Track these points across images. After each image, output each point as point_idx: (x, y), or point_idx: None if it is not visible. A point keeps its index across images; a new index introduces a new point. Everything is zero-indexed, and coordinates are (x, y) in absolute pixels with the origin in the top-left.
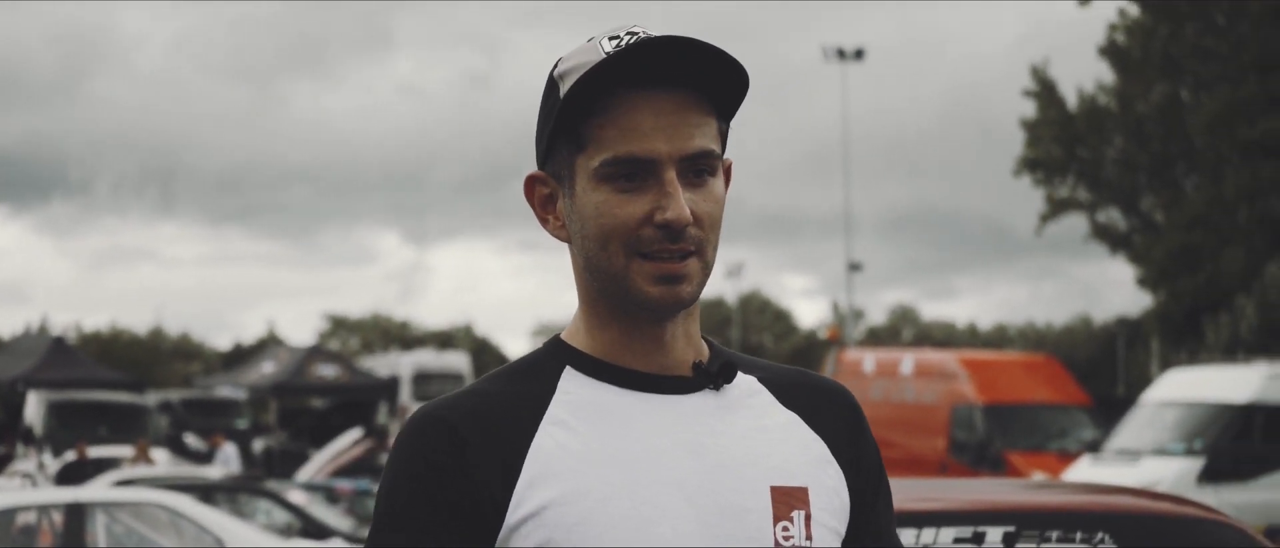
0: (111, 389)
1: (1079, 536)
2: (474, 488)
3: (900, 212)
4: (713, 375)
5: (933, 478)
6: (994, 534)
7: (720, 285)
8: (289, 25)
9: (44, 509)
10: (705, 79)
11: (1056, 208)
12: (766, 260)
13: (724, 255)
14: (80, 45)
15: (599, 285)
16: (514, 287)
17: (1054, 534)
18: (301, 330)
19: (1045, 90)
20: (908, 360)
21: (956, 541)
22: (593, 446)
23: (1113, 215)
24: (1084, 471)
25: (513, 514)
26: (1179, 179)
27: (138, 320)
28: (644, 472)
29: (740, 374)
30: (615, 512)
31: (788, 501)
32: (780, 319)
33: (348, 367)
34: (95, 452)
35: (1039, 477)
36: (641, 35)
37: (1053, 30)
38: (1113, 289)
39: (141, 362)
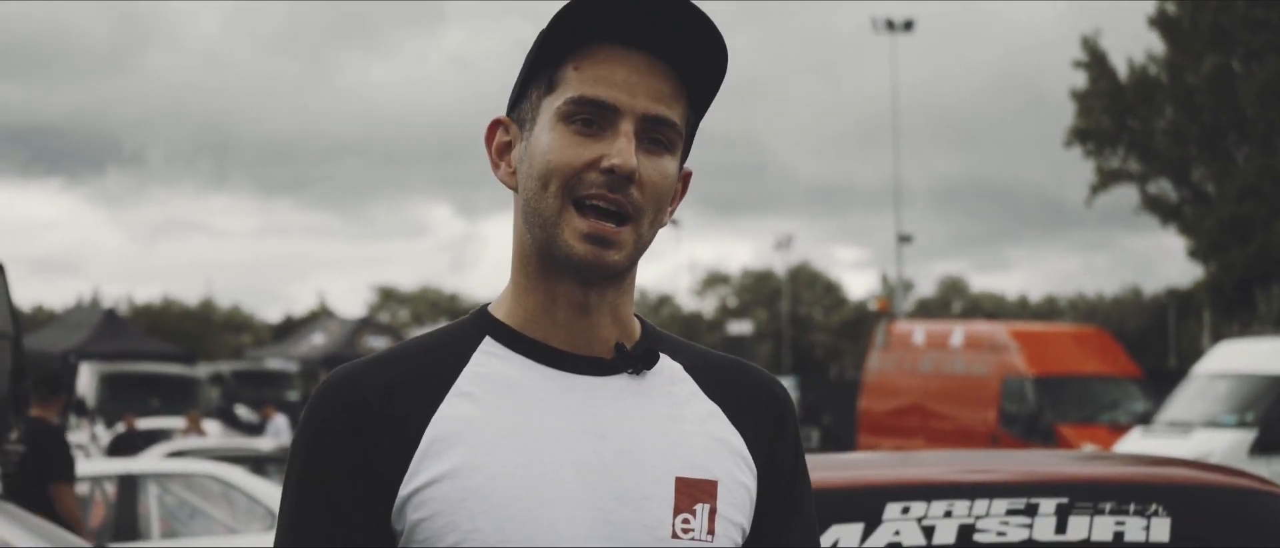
0: (163, 361)
1: (1132, 507)
2: (372, 458)
3: (952, 183)
4: (633, 359)
5: (983, 450)
6: (1047, 506)
7: (769, 257)
8: None
9: (96, 481)
10: (686, 59)
11: (1107, 179)
12: (817, 232)
13: (773, 226)
14: (133, 18)
15: (530, 236)
16: None
17: (1107, 506)
18: (352, 303)
19: (1096, 61)
20: (958, 332)
21: (1010, 512)
22: (494, 421)
23: (1163, 186)
24: (1135, 443)
25: (406, 485)
26: (1230, 150)
27: (189, 292)
28: (543, 451)
29: (666, 361)
30: (506, 489)
31: (692, 493)
32: (830, 291)
33: (397, 338)
34: (146, 424)
35: (1090, 449)
36: None
37: (1101, 5)
38: (1165, 260)
39: (192, 334)
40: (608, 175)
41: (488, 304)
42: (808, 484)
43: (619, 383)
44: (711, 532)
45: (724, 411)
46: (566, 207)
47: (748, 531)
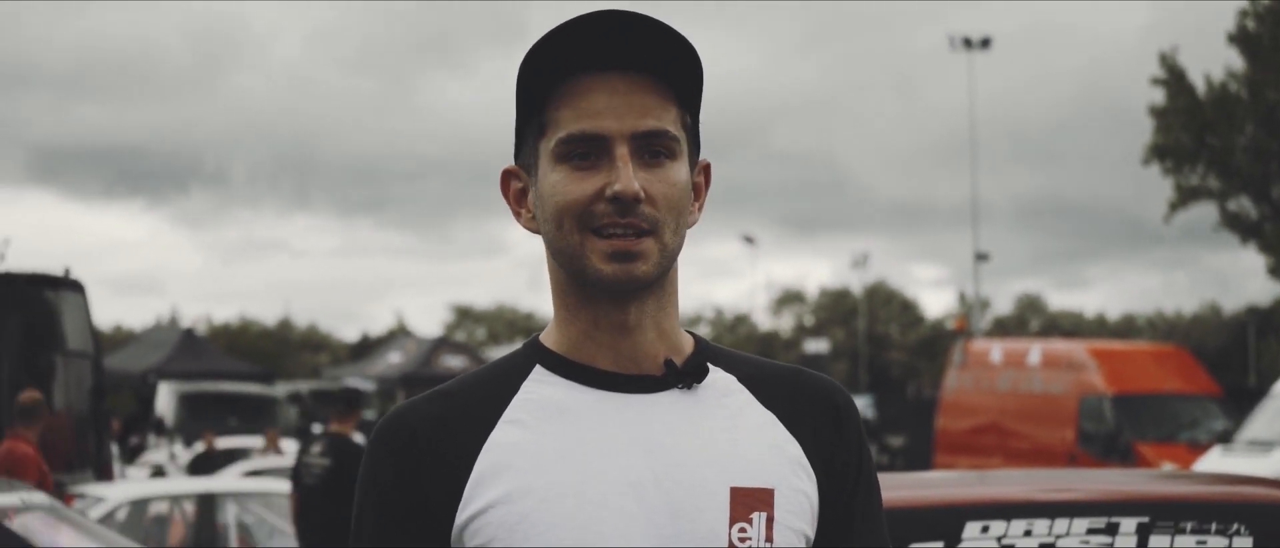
0: (241, 380)
1: (1214, 526)
2: (426, 491)
3: (1031, 201)
4: (682, 374)
5: (1062, 469)
6: (1127, 525)
7: (845, 276)
8: (422, 17)
9: (176, 499)
10: (663, 65)
11: (1186, 196)
12: (895, 251)
13: (851, 245)
14: (216, 39)
15: (562, 271)
16: None
17: (1189, 525)
18: (429, 322)
19: (1174, 78)
20: (1035, 351)
21: (1090, 531)
22: (545, 444)
23: (1243, 204)
24: (1215, 461)
25: (462, 514)
26: None
27: (267, 312)
28: (594, 471)
29: (718, 373)
30: (559, 511)
31: (748, 502)
32: (907, 310)
33: (474, 357)
34: (225, 442)
35: (1169, 468)
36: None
37: (1182, 16)
38: (1246, 278)
39: (270, 353)
40: (614, 204)
41: (539, 334)
42: (874, 487)
43: (670, 398)
44: (769, 538)
45: (780, 419)
46: (586, 237)
47: (811, 537)
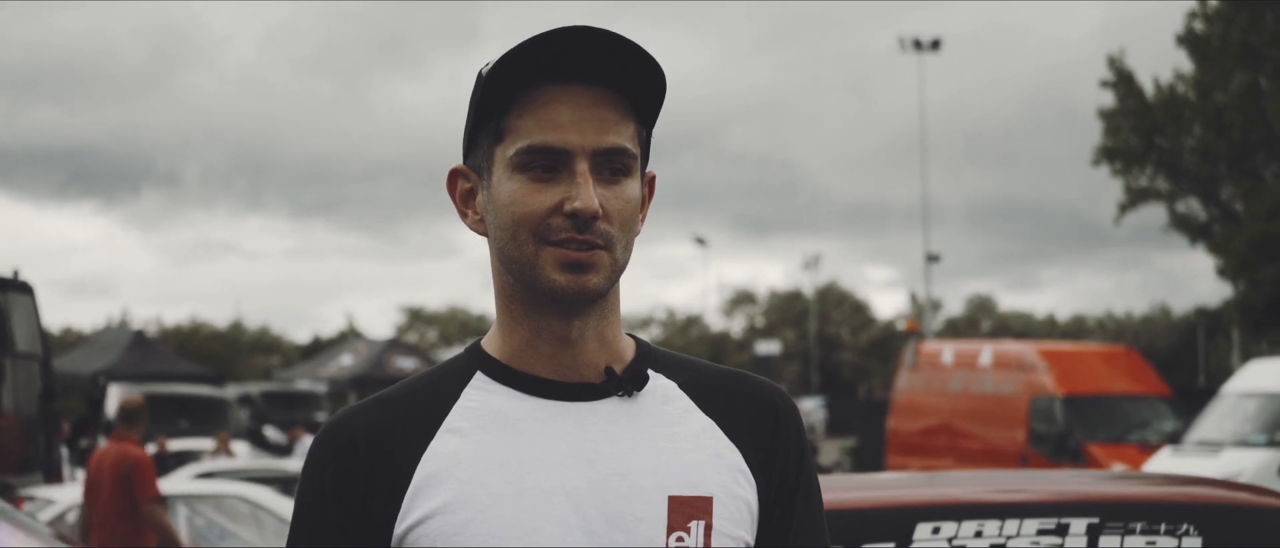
0: (192, 383)
1: (1163, 527)
2: (366, 498)
3: (983, 202)
4: (622, 382)
5: (1013, 469)
6: (1077, 526)
7: (797, 277)
8: (376, 19)
9: None
10: (626, 80)
11: (1135, 198)
12: (849, 252)
13: (803, 247)
14: (170, 40)
15: (510, 278)
16: None
17: (1138, 526)
18: (380, 324)
19: (1123, 80)
20: (986, 352)
21: (1040, 532)
22: (483, 454)
23: (1192, 205)
24: (1165, 462)
25: (400, 524)
26: (1259, 168)
27: (218, 314)
28: (532, 480)
29: (659, 379)
30: (496, 520)
31: (686, 510)
32: (858, 311)
33: (426, 359)
34: (176, 445)
35: (1119, 468)
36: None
37: (1131, 18)
38: (1198, 279)
39: (221, 355)
40: (572, 219)
41: (479, 340)
42: (815, 491)
43: (609, 406)
44: (707, 546)
45: (719, 425)
46: (541, 247)
47: (751, 543)
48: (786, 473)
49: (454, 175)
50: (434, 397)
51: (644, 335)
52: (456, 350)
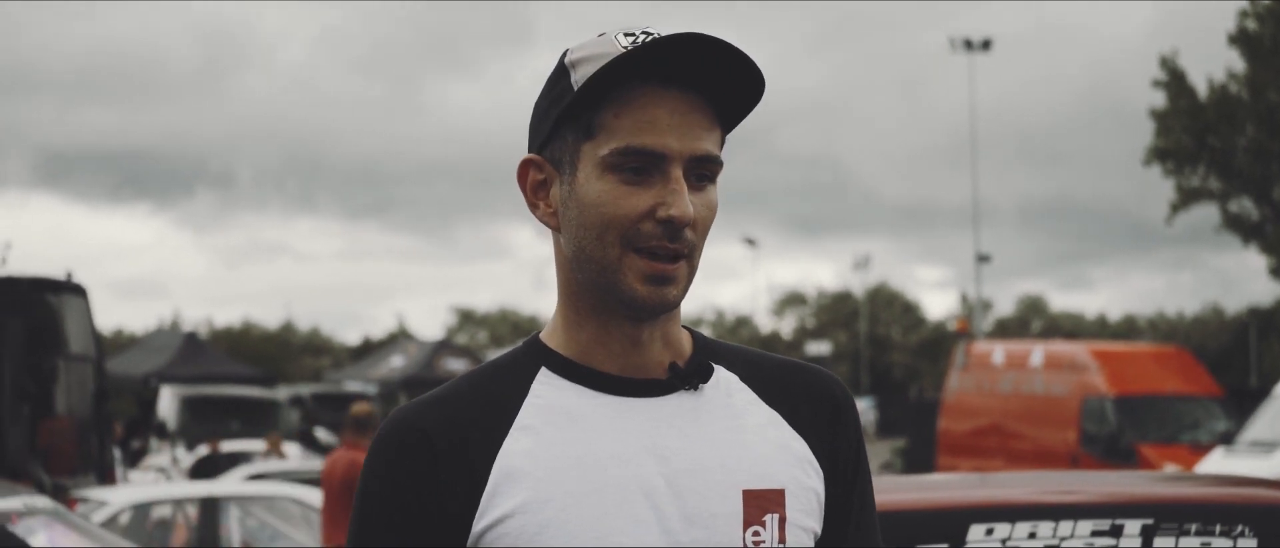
0: (243, 384)
1: (1218, 528)
2: (442, 496)
3: (1036, 201)
4: (688, 376)
5: (1065, 470)
6: (1131, 527)
7: (847, 277)
8: (429, 20)
9: (179, 504)
10: (718, 87)
11: (1187, 198)
12: (900, 252)
13: (853, 247)
14: (222, 42)
15: (585, 278)
16: None
17: (1192, 527)
18: (431, 325)
19: (1175, 80)
20: (1037, 352)
21: (1094, 533)
22: (558, 452)
23: (1245, 205)
24: (1217, 463)
25: (478, 522)
26: None
27: (269, 315)
28: (609, 478)
29: (721, 372)
30: (577, 520)
31: (761, 504)
32: (908, 311)
33: (475, 360)
34: (228, 446)
35: (1172, 469)
36: (659, 35)
37: (1182, 17)
38: (1251, 279)
39: (272, 357)
40: (665, 225)
41: (538, 333)
42: (869, 481)
43: (676, 401)
44: (783, 540)
45: (783, 416)
46: (626, 254)
47: (819, 533)
48: (847, 462)
49: (526, 165)
50: (501, 393)
51: None
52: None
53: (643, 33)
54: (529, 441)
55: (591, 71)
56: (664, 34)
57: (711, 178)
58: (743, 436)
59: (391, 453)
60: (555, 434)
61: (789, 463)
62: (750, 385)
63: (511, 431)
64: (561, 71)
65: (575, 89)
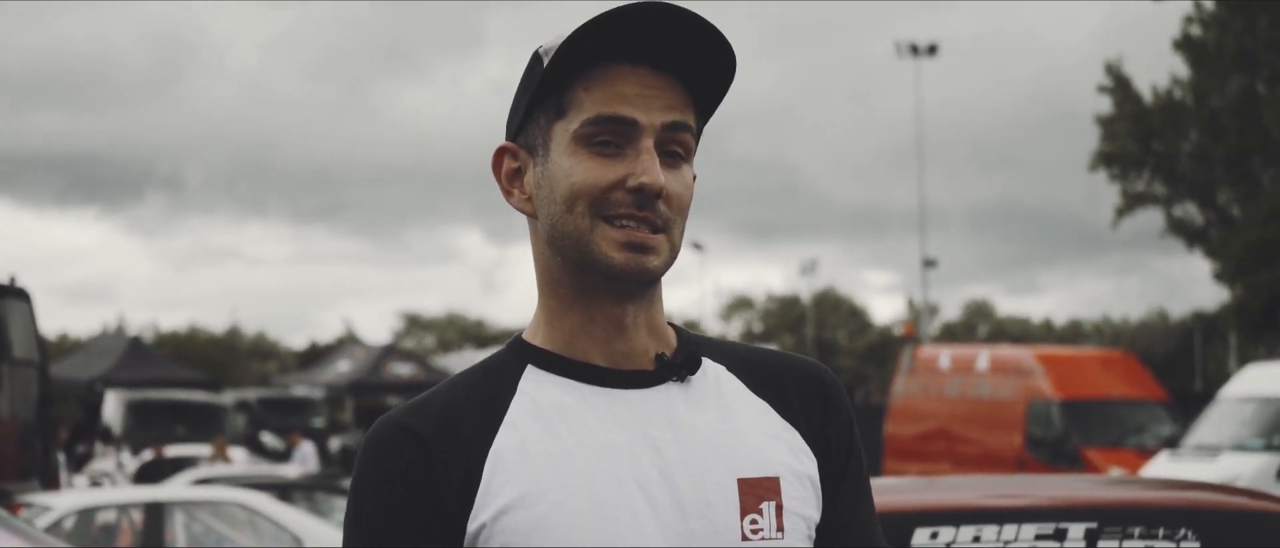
0: (188, 389)
1: (1161, 532)
2: (438, 496)
3: (984, 207)
4: (676, 367)
5: (1010, 474)
6: (1075, 531)
7: (794, 282)
8: (380, 24)
9: (123, 508)
10: (688, 67)
11: (1132, 202)
12: (850, 257)
13: (799, 252)
14: (173, 45)
15: (564, 258)
16: None
17: (1136, 531)
18: (378, 329)
19: (1120, 86)
20: (983, 357)
21: (1038, 537)
22: (550, 447)
23: (1189, 210)
24: (1162, 467)
25: (474, 521)
26: (1256, 173)
27: (216, 320)
28: (603, 471)
29: (709, 363)
30: (572, 513)
31: (756, 492)
32: (855, 316)
33: (423, 365)
34: (173, 451)
35: (1117, 473)
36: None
37: (1128, 23)
38: (1197, 284)
39: (218, 361)
40: (636, 194)
41: (520, 333)
42: (863, 460)
43: (666, 392)
44: (780, 528)
45: (773, 405)
46: (597, 223)
47: (816, 520)
48: (840, 447)
49: (501, 153)
50: (488, 393)
51: None
52: (457, 356)
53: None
54: (520, 437)
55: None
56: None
57: (685, 153)
58: (735, 425)
59: (383, 455)
60: (547, 428)
61: (782, 451)
62: (738, 376)
63: (501, 428)
64: (534, 62)
65: (543, 69)
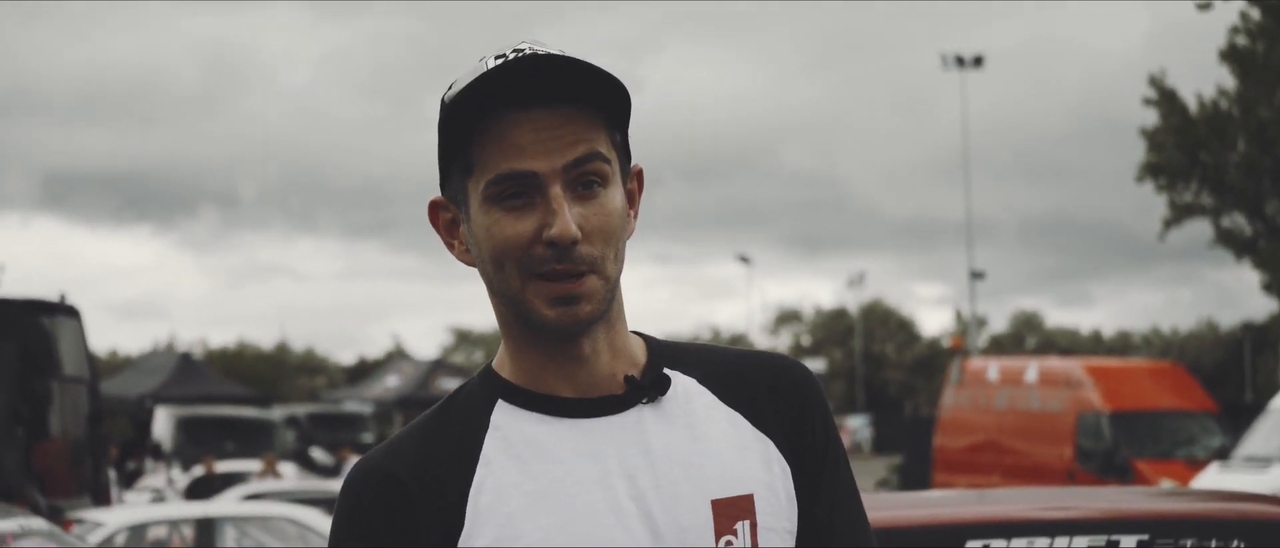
0: (238, 404)
1: (1213, 543)
2: (420, 538)
3: (1034, 218)
4: (645, 389)
5: (1060, 486)
6: (1127, 542)
7: (842, 295)
8: (431, 42)
9: (174, 524)
10: (589, 93)
11: (1180, 214)
12: (899, 269)
13: (847, 265)
14: (224, 64)
15: (506, 310)
16: (643, 299)
17: (1188, 542)
18: (427, 345)
19: (1165, 98)
20: (1032, 369)
21: None
22: (524, 484)
23: (1237, 220)
24: (1213, 478)
25: None
26: None
27: (267, 336)
28: (578, 506)
29: (679, 378)
30: None
31: (730, 512)
32: (903, 328)
33: None
34: (223, 466)
35: (1167, 485)
36: (527, 51)
37: (1174, 32)
38: (1249, 294)
39: (267, 377)
40: (551, 247)
41: (491, 362)
42: (843, 457)
43: (635, 416)
44: (755, 544)
45: (745, 415)
46: (528, 281)
47: (794, 529)
48: (815, 446)
49: (434, 208)
50: (462, 429)
51: None
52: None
53: (513, 52)
54: (496, 474)
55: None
56: (523, 54)
57: (601, 180)
58: (706, 444)
59: (364, 500)
60: (521, 467)
61: (755, 465)
62: (709, 388)
63: (478, 466)
64: (442, 108)
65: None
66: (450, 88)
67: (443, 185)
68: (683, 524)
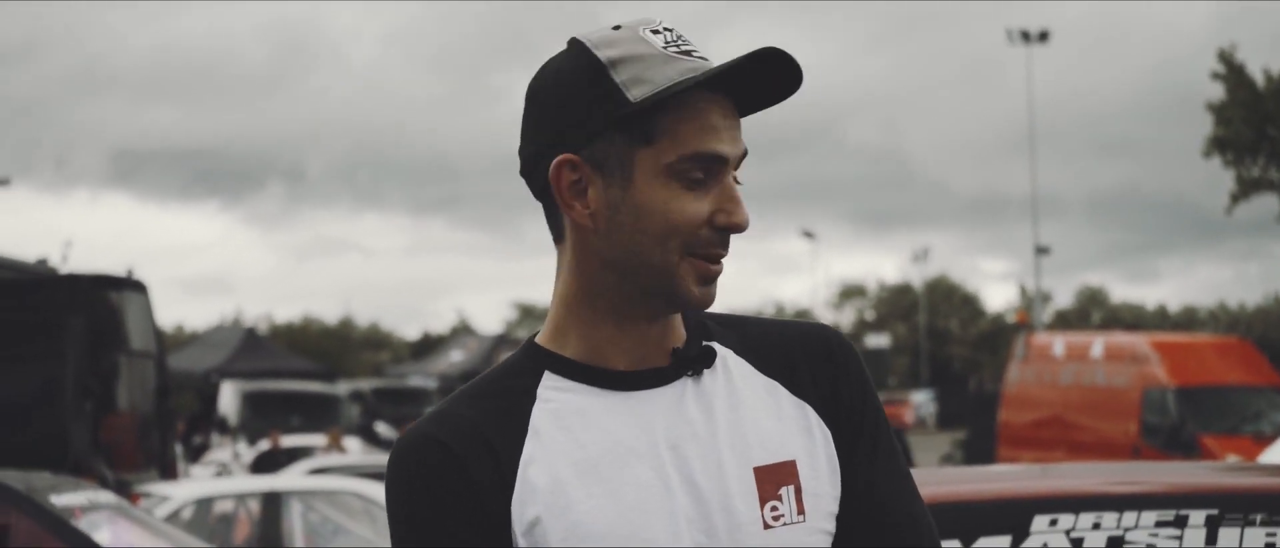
0: (303, 379)
1: None
2: (481, 504)
3: (1101, 193)
4: (690, 362)
5: (1127, 461)
6: (1196, 517)
7: (906, 270)
8: (498, 17)
9: (241, 498)
10: (748, 91)
11: (1247, 188)
12: (965, 245)
13: (912, 241)
14: (292, 40)
15: (623, 278)
16: None
17: (1258, 517)
18: (491, 320)
19: (1233, 73)
20: (1098, 344)
21: (1159, 523)
22: (574, 454)
23: None
24: None
25: (513, 529)
26: None
27: (332, 311)
28: (626, 476)
29: (719, 350)
30: (602, 520)
31: (774, 478)
32: (967, 303)
33: None
34: (288, 441)
35: (1234, 460)
36: (675, 35)
37: (1242, 7)
38: None
39: (331, 352)
40: (722, 233)
41: (534, 337)
42: (883, 421)
43: (679, 388)
44: (801, 511)
45: (783, 382)
46: (685, 258)
47: (838, 494)
48: (854, 412)
49: (561, 167)
50: (509, 402)
51: None
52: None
53: (664, 28)
54: (544, 446)
55: (641, 73)
56: (756, 50)
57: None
58: (746, 413)
59: (416, 468)
60: (569, 437)
61: (796, 432)
62: (746, 358)
63: (527, 437)
64: (597, 69)
65: (625, 92)
66: (595, 46)
67: (579, 147)
68: (729, 491)
